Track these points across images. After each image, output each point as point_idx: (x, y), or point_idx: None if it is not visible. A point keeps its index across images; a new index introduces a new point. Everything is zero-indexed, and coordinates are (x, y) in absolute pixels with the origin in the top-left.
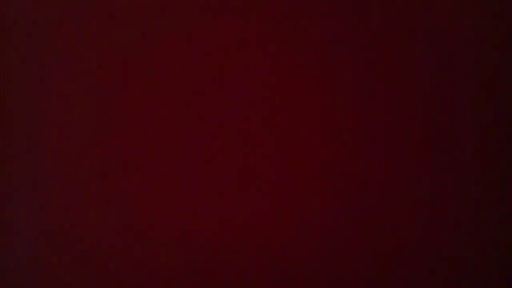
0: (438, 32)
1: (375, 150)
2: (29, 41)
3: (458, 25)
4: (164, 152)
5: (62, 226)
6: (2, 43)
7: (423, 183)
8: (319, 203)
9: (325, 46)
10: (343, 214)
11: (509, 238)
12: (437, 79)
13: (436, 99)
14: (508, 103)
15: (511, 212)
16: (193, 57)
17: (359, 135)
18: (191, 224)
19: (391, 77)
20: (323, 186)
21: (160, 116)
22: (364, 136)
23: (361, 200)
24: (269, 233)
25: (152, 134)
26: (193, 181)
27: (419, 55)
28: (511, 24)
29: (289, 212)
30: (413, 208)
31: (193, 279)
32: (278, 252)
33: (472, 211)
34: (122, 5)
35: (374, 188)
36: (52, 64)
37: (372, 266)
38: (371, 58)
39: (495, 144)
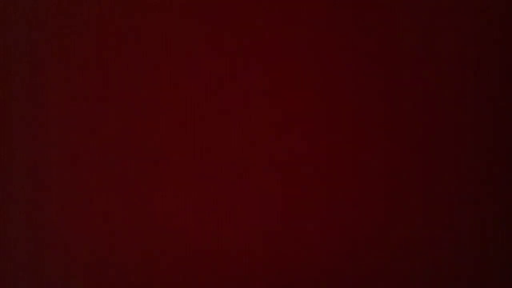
0: (439, 31)
1: (379, 153)
2: (29, 40)
3: (460, 24)
4: (166, 157)
5: (61, 227)
6: (2, 43)
7: (427, 185)
8: (322, 206)
9: (325, 51)
10: (347, 219)
11: (509, 238)
12: (440, 81)
13: (438, 100)
14: (508, 103)
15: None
16: (193, 58)
17: (362, 137)
18: (191, 226)
19: (395, 81)
20: (326, 192)
21: (163, 120)
22: (366, 138)
23: (367, 203)
24: (273, 242)
25: (153, 138)
26: (193, 183)
27: (420, 58)
28: (511, 24)
29: (294, 222)
30: (416, 215)
31: (193, 284)
32: (281, 259)
33: (474, 212)
34: (122, 5)
35: (378, 193)
36: (53, 64)
37: (376, 273)
38: (372, 60)
39: (496, 145)
